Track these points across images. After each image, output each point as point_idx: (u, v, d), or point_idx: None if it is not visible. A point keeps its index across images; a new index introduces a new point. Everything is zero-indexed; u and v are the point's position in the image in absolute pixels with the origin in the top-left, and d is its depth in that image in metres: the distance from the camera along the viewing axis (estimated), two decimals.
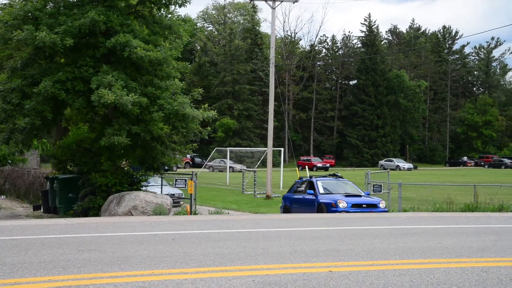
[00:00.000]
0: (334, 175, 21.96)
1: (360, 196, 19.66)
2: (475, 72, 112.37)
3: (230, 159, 54.84)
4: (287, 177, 40.77)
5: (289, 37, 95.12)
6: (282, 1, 32.15)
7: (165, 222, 14.36)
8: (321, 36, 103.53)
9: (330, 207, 18.41)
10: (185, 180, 20.22)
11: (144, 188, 21.10)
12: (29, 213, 24.68)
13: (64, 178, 22.25)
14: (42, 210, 24.34)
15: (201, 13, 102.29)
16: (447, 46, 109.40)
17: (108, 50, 19.00)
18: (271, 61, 32.73)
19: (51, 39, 17.84)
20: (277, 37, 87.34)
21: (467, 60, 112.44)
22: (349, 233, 11.71)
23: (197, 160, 69.78)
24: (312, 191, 19.82)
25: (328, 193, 19.72)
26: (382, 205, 18.89)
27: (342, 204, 18.20)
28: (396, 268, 7.90)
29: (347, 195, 19.23)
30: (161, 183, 24.55)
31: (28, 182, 30.50)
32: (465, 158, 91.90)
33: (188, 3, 20.74)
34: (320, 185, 20.22)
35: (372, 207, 18.56)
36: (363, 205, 18.55)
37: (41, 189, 26.50)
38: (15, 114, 19.03)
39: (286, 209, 21.50)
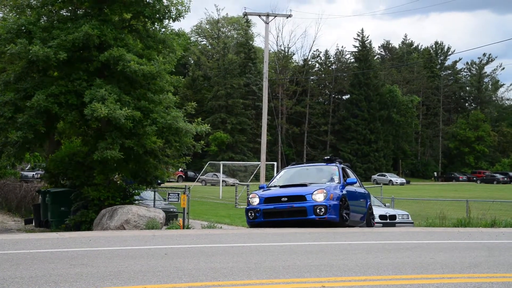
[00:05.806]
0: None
1: None
2: (467, 88, 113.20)
3: (223, 173, 54.76)
4: None
5: (283, 52, 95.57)
6: (275, 16, 32.38)
7: (158, 236, 14.29)
8: (314, 51, 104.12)
9: None
10: (178, 194, 20.18)
11: None
12: (21, 227, 24.51)
13: (56, 192, 22.12)
14: (33, 224, 24.17)
15: (195, 27, 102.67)
16: (440, 61, 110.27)
17: (101, 64, 19.02)
18: (264, 76, 32.83)
19: (44, 52, 17.84)
20: (271, 51, 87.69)
21: (459, 75, 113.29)
22: (342, 248, 11.69)
23: (190, 174, 69.68)
24: None
25: None
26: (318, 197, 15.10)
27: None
28: (390, 284, 7.88)
29: None
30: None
31: (19, 196, 30.31)
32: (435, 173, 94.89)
33: (182, 17, 20.80)
34: None
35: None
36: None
37: (33, 202, 26.34)
38: (7, 128, 18.97)
39: None
